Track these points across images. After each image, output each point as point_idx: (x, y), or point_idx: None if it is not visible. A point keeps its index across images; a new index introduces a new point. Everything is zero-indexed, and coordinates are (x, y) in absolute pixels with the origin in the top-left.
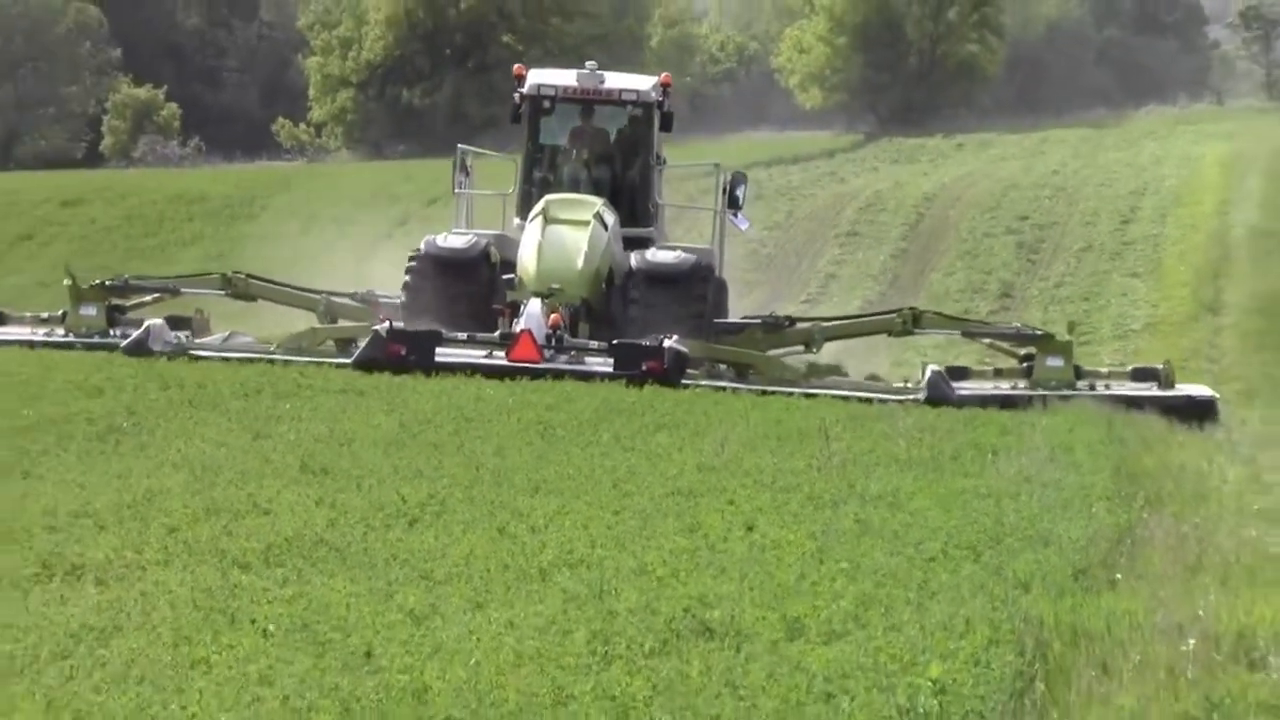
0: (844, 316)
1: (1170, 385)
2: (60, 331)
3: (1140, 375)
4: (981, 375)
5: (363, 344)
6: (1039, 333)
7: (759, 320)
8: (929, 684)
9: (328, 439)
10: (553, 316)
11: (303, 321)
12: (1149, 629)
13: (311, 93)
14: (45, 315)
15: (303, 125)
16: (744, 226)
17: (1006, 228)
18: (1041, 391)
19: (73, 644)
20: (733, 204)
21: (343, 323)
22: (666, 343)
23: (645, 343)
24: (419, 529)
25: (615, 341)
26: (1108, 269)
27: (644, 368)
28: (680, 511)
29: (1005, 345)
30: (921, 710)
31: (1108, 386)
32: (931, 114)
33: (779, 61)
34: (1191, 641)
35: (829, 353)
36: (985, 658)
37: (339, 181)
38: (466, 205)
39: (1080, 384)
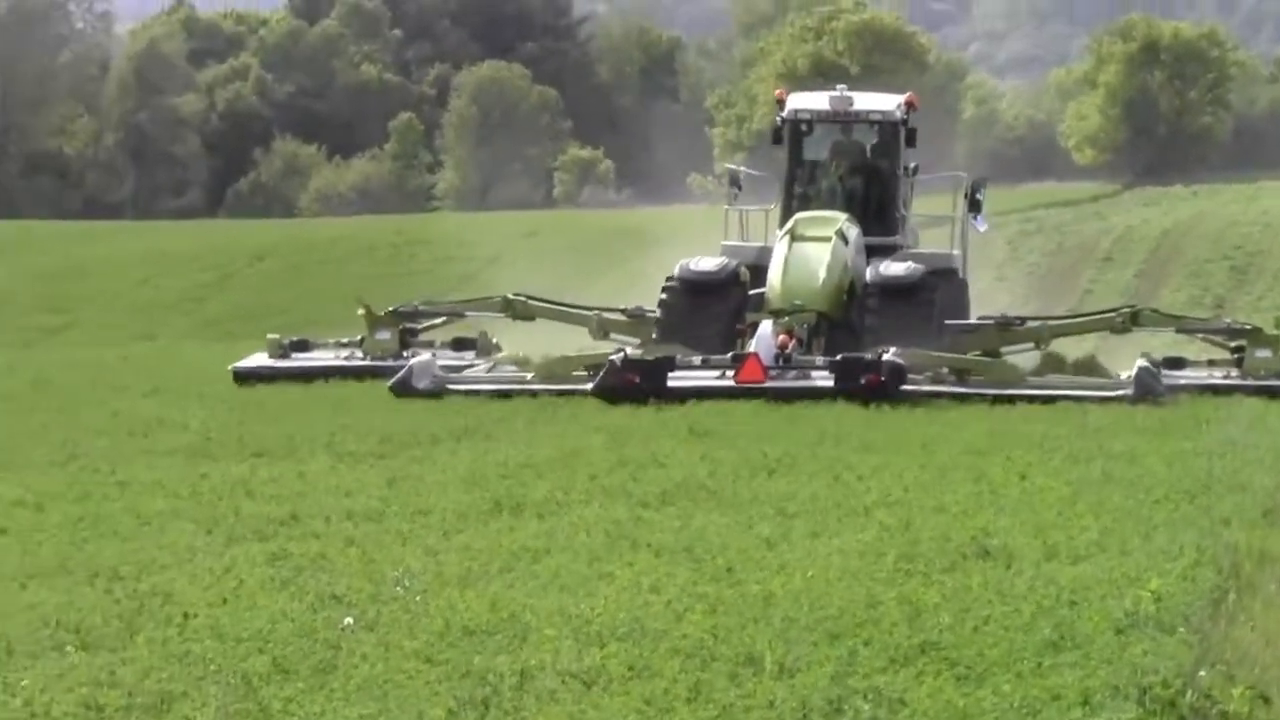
0: (1069, 316)
1: None
2: (359, 355)
3: None
4: (1196, 365)
5: (600, 373)
6: (1249, 327)
7: (992, 320)
8: (1149, 594)
9: (711, 411)
10: (780, 337)
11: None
12: None
13: (715, 153)
14: (345, 340)
15: (709, 178)
16: (982, 228)
17: (1223, 255)
18: (1251, 381)
19: (513, 560)
20: (974, 208)
21: (614, 337)
22: (885, 356)
23: (867, 357)
24: (776, 477)
25: (838, 357)
26: None
27: (863, 381)
28: (970, 465)
29: (1218, 339)
30: (1143, 614)
31: None
32: (1175, 169)
33: (1064, 128)
34: None
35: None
36: (1193, 575)
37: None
38: (739, 219)
39: None
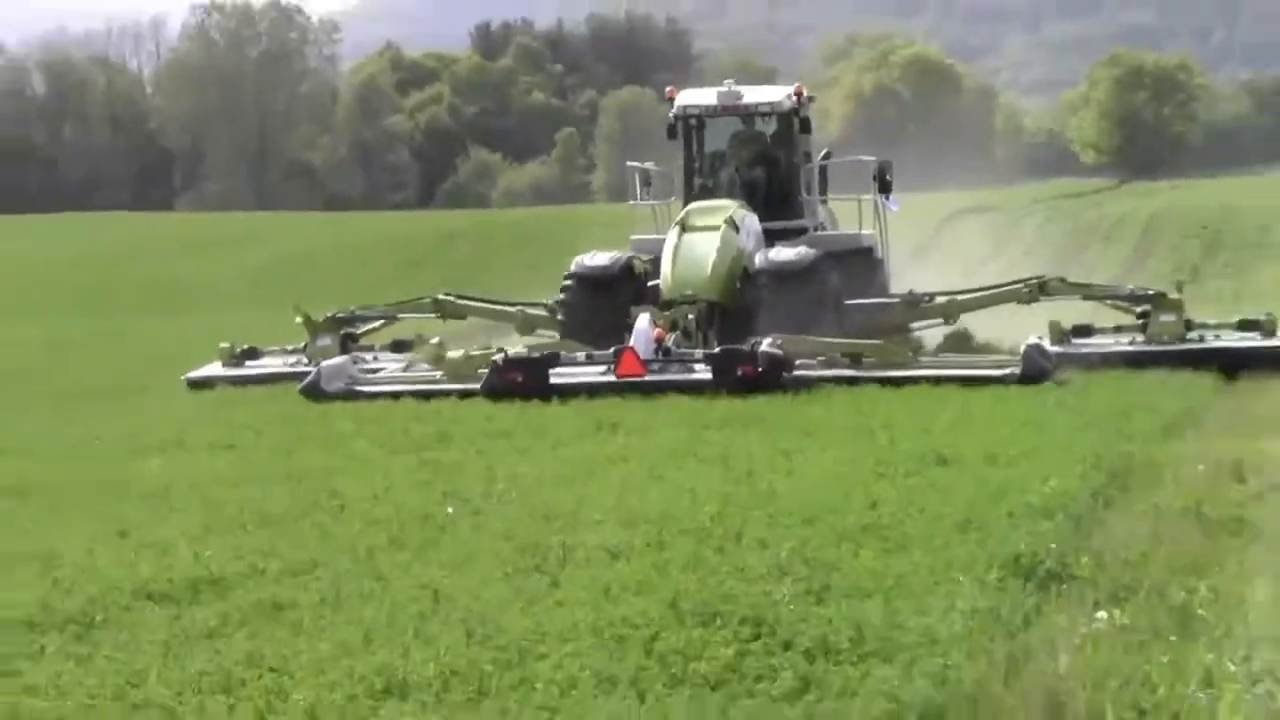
0: (977, 289)
1: (1272, 335)
2: (305, 361)
3: (1245, 326)
4: (1103, 332)
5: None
6: (1151, 292)
7: (899, 299)
8: (1049, 489)
9: None
10: (656, 330)
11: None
12: (1189, 461)
13: None
14: (291, 347)
15: None
16: (894, 208)
17: (1195, 234)
18: (1154, 346)
19: (596, 467)
20: (884, 189)
21: (539, 332)
22: (761, 347)
23: (744, 348)
24: (810, 405)
25: (716, 349)
26: (1253, 258)
27: (739, 373)
28: (960, 396)
29: (1124, 304)
30: (1036, 505)
31: (1217, 337)
32: (1159, 168)
33: (1071, 134)
34: (1200, 467)
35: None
36: (1088, 476)
37: None
38: (652, 214)
39: (1190, 335)
